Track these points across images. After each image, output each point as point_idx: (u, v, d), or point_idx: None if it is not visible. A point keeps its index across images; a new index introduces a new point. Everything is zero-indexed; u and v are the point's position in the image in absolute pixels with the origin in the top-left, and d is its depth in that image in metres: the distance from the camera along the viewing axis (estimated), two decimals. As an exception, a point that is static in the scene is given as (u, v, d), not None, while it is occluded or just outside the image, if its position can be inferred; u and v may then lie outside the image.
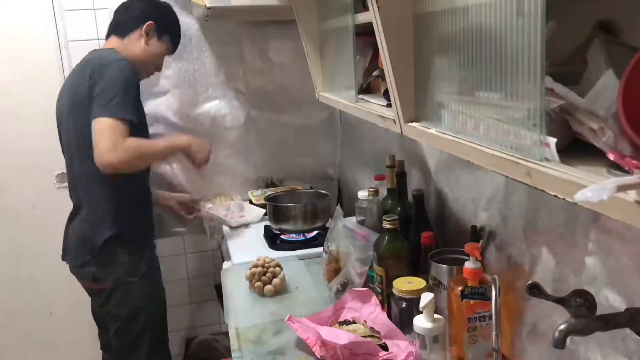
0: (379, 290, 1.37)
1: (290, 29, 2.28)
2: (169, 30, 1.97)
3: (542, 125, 0.61)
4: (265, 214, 2.13)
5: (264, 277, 1.61)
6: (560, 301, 0.78)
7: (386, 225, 1.35)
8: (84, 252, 1.83)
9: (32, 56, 2.29)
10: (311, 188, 2.42)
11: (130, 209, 1.85)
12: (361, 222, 1.66)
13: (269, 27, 2.42)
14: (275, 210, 2.03)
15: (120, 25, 1.92)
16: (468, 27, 0.76)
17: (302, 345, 1.30)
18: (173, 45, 2.02)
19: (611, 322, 0.75)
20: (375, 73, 1.41)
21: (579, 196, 0.49)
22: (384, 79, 1.37)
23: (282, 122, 2.53)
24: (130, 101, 1.72)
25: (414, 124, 0.98)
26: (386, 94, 1.19)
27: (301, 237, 2.02)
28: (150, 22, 1.90)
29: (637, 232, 0.80)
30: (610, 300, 0.86)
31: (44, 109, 2.10)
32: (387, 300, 1.34)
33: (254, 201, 2.38)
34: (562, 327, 0.74)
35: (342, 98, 1.47)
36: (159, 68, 2.03)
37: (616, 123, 0.58)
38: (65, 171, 1.94)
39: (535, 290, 0.79)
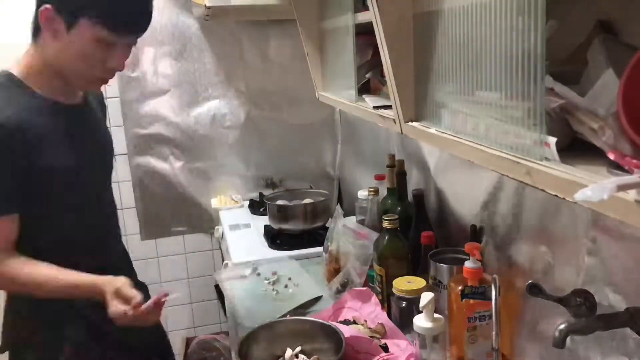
0: (379, 290, 1.37)
1: (290, 29, 2.29)
2: (85, 8, 1.11)
3: (542, 125, 0.61)
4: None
5: None
6: (560, 301, 0.78)
7: (386, 224, 1.35)
8: None
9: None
10: (311, 188, 2.42)
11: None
12: (361, 222, 1.66)
13: (269, 27, 2.42)
14: (275, 210, 2.03)
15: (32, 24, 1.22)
16: (468, 26, 0.76)
17: (302, 345, 1.30)
18: (110, 25, 1.12)
19: (611, 322, 0.75)
20: (368, 75, 1.41)
21: (579, 195, 0.49)
22: (379, 79, 1.37)
23: (282, 122, 2.54)
24: None
25: (414, 124, 0.98)
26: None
27: (301, 237, 2.01)
28: (46, 5, 1.12)
29: (637, 231, 0.80)
30: (610, 300, 0.86)
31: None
32: (387, 299, 1.34)
33: None
34: (562, 327, 0.74)
35: (342, 98, 1.47)
36: (101, 72, 1.21)
37: (616, 122, 0.58)
38: None
39: (535, 290, 0.79)
